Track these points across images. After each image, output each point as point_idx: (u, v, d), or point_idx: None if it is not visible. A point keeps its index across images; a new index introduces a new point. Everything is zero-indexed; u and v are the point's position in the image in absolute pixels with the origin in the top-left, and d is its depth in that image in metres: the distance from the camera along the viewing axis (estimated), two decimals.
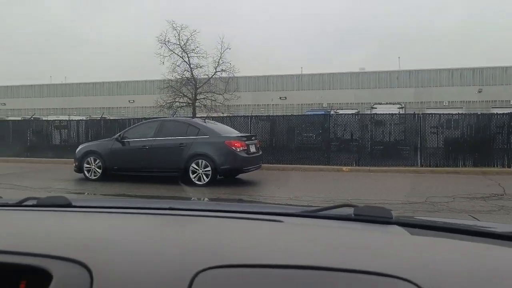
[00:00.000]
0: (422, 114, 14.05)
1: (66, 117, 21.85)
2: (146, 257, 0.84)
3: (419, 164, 13.24)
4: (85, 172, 10.14)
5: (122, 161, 9.88)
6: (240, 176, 10.11)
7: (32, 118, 18.81)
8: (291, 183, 10.09)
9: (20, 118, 22.05)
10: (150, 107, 28.27)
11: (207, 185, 9.03)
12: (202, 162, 9.19)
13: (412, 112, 14.96)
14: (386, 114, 14.74)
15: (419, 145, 13.48)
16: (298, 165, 13.25)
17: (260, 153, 10.52)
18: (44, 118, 20.83)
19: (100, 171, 10.00)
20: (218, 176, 9.31)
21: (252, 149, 9.85)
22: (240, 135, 10.19)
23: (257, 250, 0.90)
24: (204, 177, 9.16)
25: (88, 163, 10.13)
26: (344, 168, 12.82)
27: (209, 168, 9.13)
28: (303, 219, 1.26)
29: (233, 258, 0.82)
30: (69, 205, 1.34)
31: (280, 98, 32.55)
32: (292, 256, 0.84)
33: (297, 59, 65.43)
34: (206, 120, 10.65)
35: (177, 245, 0.93)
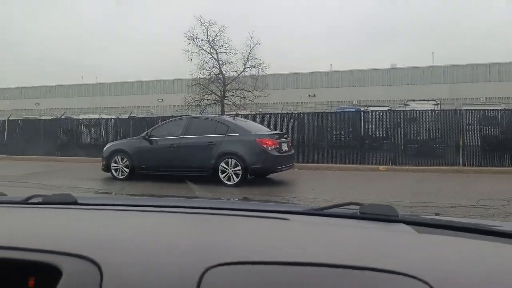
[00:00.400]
0: (464, 110, 13.16)
1: (96, 116, 21.97)
2: (155, 254, 0.83)
3: (461, 163, 12.43)
4: (113, 171, 9.90)
5: (149, 160, 9.59)
6: (272, 176, 9.64)
7: (63, 117, 18.92)
8: (326, 183, 9.56)
9: (52, 118, 22.30)
10: (179, 105, 28.16)
11: (237, 185, 8.61)
12: (231, 161, 8.77)
13: (453, 108, 14.11)
14: (422, 110, 13.96)
15: (460, 143, 12.65)
16: (332, 164, 12.68)
17: (293, 151, 10.01)
18: (75, 117, 20.98)
19: (127, 170, 9.74)
20: (248, 176, 8.86)
21: (284, 147, 9.36)
22: (271, 132, 9.71)
23: (264, 247, 0.90)
24: (234, 177, 8.74)
25: (115, 162, 9.89)
26: (381, 167, 12.16)
27: (239, 168, 8.70)
28: (309, 217, 1.25)
29: (241, 255, 0.81)
30: (75, 202, 1.33)
31: (309, 95, 31.87)
32: (298, 254, 0.83)
33: (326, 56, 64.33)
34: (235, 117, 10.23)
35: (185, 242, 0.93)
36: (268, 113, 15.14)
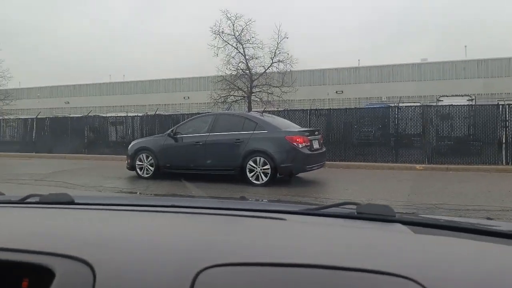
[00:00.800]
0: (507, 104, 12.28)
1: (123, 114, 21.97)
2: (149, 255, 0.82)
3: (504, 162, 11.63)
4: (137, 170, 9.63)
5: (174, 158, 9.27)
6: (301, 175, 9.15)
7: (89, 115, 18.95)
8: (360, 183, 9.00)
9: (79, 116, 22.44)
10: (205, 103, 27.99)
11: (265, 185, 8.17)
12: (260, 159, 8.34)
13: (491, 103, 13.25)
14: (459, 105, 13.15)
15: (504, 140, 11.83)
16: (363, 163, 12.10)
17: (324, 149, 9.49)
18: (101, 115, 21.01)
19: (152, 168, 9.45)
20: (278, 175, 8.41)
21: (316, 145, 8.85)
22: (302, 129, 9.20)
23: (259, 248, 0.88)
24: (263, 176, 8.30)
25: (140, 161, 9.62)
26: (418, 166, 11.48)
27: (268, 166, 8.26)
28: (306, 217, 1.24)
29: (236, 256, 0.80)
30: (71, 202, 1.33)
31: (336, 92, 31.27)
32: (295, 255, 0.82)
33: (354, 51, 62.96)
34: (263, 113, 9.78)
35: (180, 243, 0.91)
36: (296, 110, 14.65)
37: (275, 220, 1.15)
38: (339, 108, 14.19)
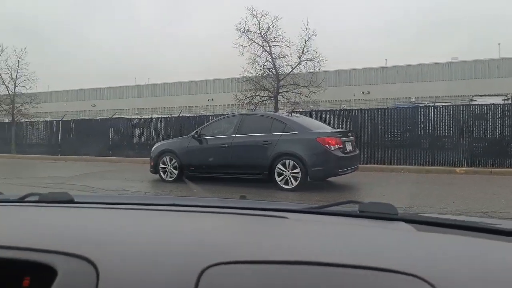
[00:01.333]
0: None
1: (148, 116, 21.86)
2: (152, 253, 0.81)
3: None
4: (161, 173, 9.27)
5: (199, 161, 8.85)
6: (334, 179, 8.58)
7: (114, 117, 18.85)
8: (397, 187, 8.36)
9: (103, 118, 22.44)
10: (229, 105, 27.65)
11: (295, 189, 7.65)
12: (289, 162, 7.82)
13: None
14: (500, 104, 12.31)
15: None
16: (398, 166, 11.41)
17: (357, 152, 8.89)
18: (125, 117, 20.91)
19: (176, 172, 9.06)
20: (308, 179, 7.86)
21: (349, 147, 8.27)
22: (334, 130, 8.64)
23: (262, 246, 0.87)
24: (292, 180, 7.78)
25: (163, 163, 9.25)
26: (458, 169, 10.71)
27: (298, 170, 7.74)
28: (308, 215, 1.23)
29: (240, 254, 0.80)
30: (71, 201, 1.32)
31: (363, 92, 30.42)
32: (297, 252, 0.82)
33: (380, 51, 61.56)
34: (292, 113, 9.25)
35: (183, 241, 0.90)
36: (324, 110, 14.07)
37: (278, 218, 1.14)
38: (369, 109, 13.52)
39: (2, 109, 21.59)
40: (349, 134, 8.62)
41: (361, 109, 13.31)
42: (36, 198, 1.35)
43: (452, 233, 1.00)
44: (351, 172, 8.30)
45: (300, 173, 7.73)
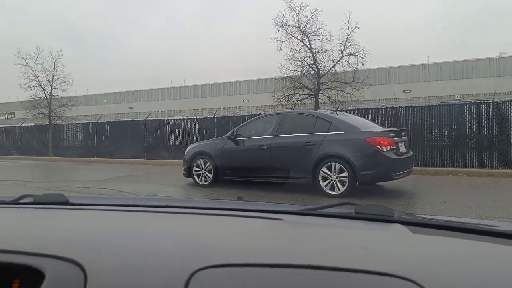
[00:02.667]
0: None
1: (183, 118, 21.56)
2: (142, 256, 0.80)
3: None
4: (195, 177, 8.65)
5: (235, 163, 8.16)
6: (384, 183, 7.68)
7: (148, 119, 18.56)
8: (459, 193, 7.35)
9: (137, 120, 22.30)
10: (265, 105, 27.02)
11: (342, 195, 6.80)
12: (336, 165, 6.99)
13: None
14: None
15: None
16: (455, 168, 10.31)
17: (411, 153, 7.94)
18: (161, 119, 20.63)
19: (211, 175, 8.41)
20: (357, 184, 7.01)
21: (402, 148, 7.35)
22: (386, 129, 7.70)
23: (256, 248, 0.87)
24: (339, 185, 6.95)
25: (197, 166, 8.62)
26: None
27: (345, 174, 6.90)
28: (303, 217, 1.22)
29: (232, 256, 0.79)
30: (66, 202, 1.32)
31: (403, 91, 29.10)
32: (291, 255, 0.81)
33: (422, 47, 58.98)
34: (337, 111, 8.41)
35: (174, 243, 0.89)
36: (369, 108, 13.10)
37: (272, 220, 1.13)
38: (419, 106, 12.41)
39: (40, 111, 21.80)
40: (402, 133, 7.68)
41: (409, 106, 12.25)
42: (30, 199, 1.34)
43: (449, 235, 0.98)
44: (405, 176, 7.36)
45: (347, 177, 6.89)
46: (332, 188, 6.99)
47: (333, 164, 7.01)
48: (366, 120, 8.69)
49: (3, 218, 1.21)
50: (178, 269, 0.72)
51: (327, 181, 7.04)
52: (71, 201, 1.33)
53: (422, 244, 0.92)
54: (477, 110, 11.40)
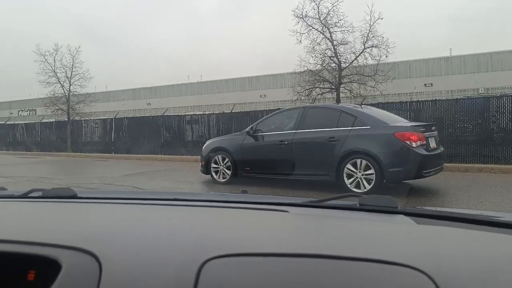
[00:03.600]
0: None
1: (200, 113, 21.35)
2: (153, 247, 0.81)
3: None
4: (213, 174, 8.36)
5: (254, 160, 7.84)
6: (412, 181, 7.24)
7: (165, 115, 18.40)
8: (495, 191, 6.86)
9: (154, 115, 22.18)
10: (282, 101, 26.62)
11: (368, 194, 6.38)
12: (361, 162, 6.60)
13: None
14: None
15: None
16: (488, 165, 9.79)
17: (442, 149, 7.48)
18: (178, 114, 20.46)
19: (229, 172, 8.11)
20: (384, 181, 6.60)
21: (432, 143, 6.91)
22: (415, 124, 7.25)
23: (263, 239, 0.87)
24: (365, 183, 6.56)
25: (215, 163, 8.33)
26: None
27: (371, 171, 6.50)
28: (309, 209, 1.24)
29: (239, 247, 0.79)
30: (74, 196, 1.34)
31: (424, 85, 28.44)
32: (297, 245, 0.82)
33: (443, 39, 57.46)
34: (362, 105, 7.99)
35: (184, 234, 0.90)
36: (393, 102, 12.59)
37: (278, 212, 1.14)
38: (447, 99, 11.85)
39: (59, 108, 21.85)
40: (433, 128, 7.22)
41: (435, 100, 11.69)
42: (39, 193, 1.38)
43: (452, 226, 0.99)
44: (435, 173, 6.92)
45: (374, 175, 6.49)
46: (358, 186, 6.61)
47: (358, 161, 6.63)
48: (393, 114, 8.25)
49: (15, 211, 1.22)
50: (188, 259, 0.73)
51: (352, 179, 6.67)
52: (79, 195, 1.35)
53: (427, 234, 0.92)
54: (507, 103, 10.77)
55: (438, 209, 1.27)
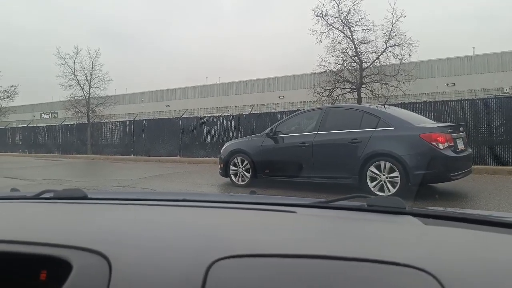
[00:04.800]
0: None
1: (218, 115, 21.29)
2: (162, 247, 0.82)
3: None
4: (232, 176, 8.22)
5: (274, 162, 7.67)
6: (438, 184, 6.96)
7: (184, 116, 18.38)
8: None
9: (173, 117, 22.24)
10: (302, 102, 26.36)
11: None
12: (385, 164, 6.36)
13: None
14: None
15: None
16: None
17: (470, 151, 7.17)
18: (196, 116, 20.44)
19: (248, 175, 7.96)
20: (409, 184, 6.33)
21: (460, 145, 6.62)
22: (442, 125, 6.96)
23: (270, 240, 0.87)
24: (389, 186, 6.32)
25: (234, 165, 8.19)
26: None
27: (396, 174, 6.26)
28: (316, 210, 1.24)
29: (247, 248, 0.80)
30: (85, 197, 1.35)
31: (447, 84, 27.72)
32: (305, 246, 0.82)
33: (465, 38, 56.11)
34: (385, 105, 7.74)
35: (193, 235, 0.91)
36: (416, 102, 12.24)
37: (286, 213, 1.15)
38: (473, 99, 11.46)
39: (79, 110, 22.09)
40: (461, 128, 6.93)
41: (461, 99, 11.31)
42: (51, 194, 1.38)
43: (461, 227, 0.98)
44: (463, 176, 6.62)
45: (399, 178, 6.24)
46: (382, 189, 6.37)
47: (382, 163, 6.39)
48: (418, 115, 7.96)
49: (27, 212, 1.24)
50: (196, 260, 0.74)
51: (375, 182, 6.43)
52: (89, 195, 1.36)
53: (434, 235, 0.91)
54: None
55: (447, 210, 1.27)
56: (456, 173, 6.34)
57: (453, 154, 6.24)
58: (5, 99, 28.63)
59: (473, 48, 32.33)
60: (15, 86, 28.19)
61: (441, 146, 6.15)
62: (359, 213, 1.14)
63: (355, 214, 1.14)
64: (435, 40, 51.66)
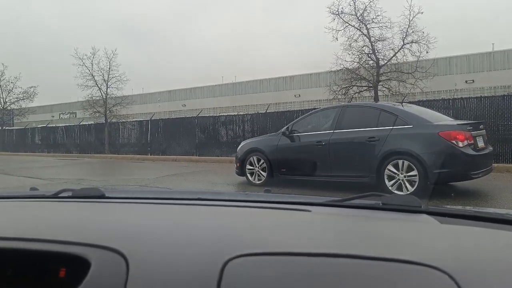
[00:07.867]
0: None
1: (234, 114, 21.35)
2: (178, 245, 0.83)
3: None
4: (248, 176, 8.21)
5: (291, 161, 7.65)
6: (458, 183, 6.83)
7: (200, 116, 18.48)
8: None
9: (189, 116, 22.36)
10: (318, 100, 26.21)
11: None
12: (403, 163, 6.27)
13: None
14: None
15: None
16: None
17: (491, 149, 7.02)
18: (212, 115, 20.52)
19: (265, 174, 7.94)
20: (428, 183, 6.23)
21: (480, 143, 6.49)
22: (461, 122, 6.84)
23: (285, 239, 0.87)
24: (408, 185, 6.23)
25: (250, 164, 8.18)
26: None
27: (414, 173, 6.16)
28: (331, 208, 1.23)
29: (263, 246, 0.80)
30: (102, 196, 1.37)
31: (466, 81, 27.19)
32: (320, 244, 0.82)
33: (485, 34, 54.95)
34: (403, 103, 7.64)
35: (208, 233, 0.91)
36: (434, 100, 12.05)
37: (300, 211, 1.14)
38: (493, 96, 11.21)
39: (96, 110, 22.38)
40: (481, 126, 6.79)
41: (481, 96, 11.10)
42: (69, 193, 1.40)
43: (477, 226, 0.97)
44: (484, 175, 6.48)
45: (417, 176, 6.15)
46: (400, 188, 6.29)
47: (400, 162, 6.30)
48: (437, 112, 7.84)
49: (46, 211, 1.25)
50: (212, 258, 0.74)
51: (393, 181, 6.35)
52: (106, 194, 1.37)
53: (450, 234, 0.91)
54: None
55: (463, 208, 1.20)
56: (476, 172, 6.21)
57: (473, 152, 6.12)
58: (25, 100, 29.20)
59: (492, 44, 31.64)
60: (34, 87, 28.75)
61: (460, 144, 6.04)
62: (374, 211, 1.14)
63: (370, 213, 1.14)
64: (452, 37, 50.81)
